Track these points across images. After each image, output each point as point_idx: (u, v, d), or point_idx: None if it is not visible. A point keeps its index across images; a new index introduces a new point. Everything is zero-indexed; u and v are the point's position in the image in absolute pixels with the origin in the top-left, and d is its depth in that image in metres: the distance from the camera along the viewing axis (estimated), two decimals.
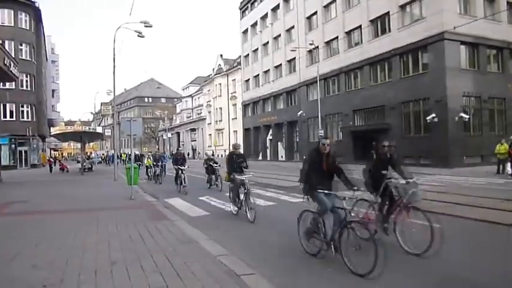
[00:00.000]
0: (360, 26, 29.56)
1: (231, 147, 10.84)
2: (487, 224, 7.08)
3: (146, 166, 21.15)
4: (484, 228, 6.95)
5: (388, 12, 26.76)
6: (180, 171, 14.21)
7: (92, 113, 76.32)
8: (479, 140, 23.18)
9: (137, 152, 34.17)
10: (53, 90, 57.39)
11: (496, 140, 18.82)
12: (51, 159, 36.12)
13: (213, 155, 19.33)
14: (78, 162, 38.67)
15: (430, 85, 23.53)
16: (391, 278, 4.40)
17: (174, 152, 20.79)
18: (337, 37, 32.38)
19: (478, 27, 22.95)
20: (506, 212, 7.85)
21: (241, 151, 10.10)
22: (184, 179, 13.85)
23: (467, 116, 22.84)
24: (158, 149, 70.29)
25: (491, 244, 5.97)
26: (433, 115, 22.88)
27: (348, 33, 31.32)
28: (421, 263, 4.99)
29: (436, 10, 23.23)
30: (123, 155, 32.99)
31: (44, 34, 45.91)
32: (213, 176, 15.02)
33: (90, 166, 31.43)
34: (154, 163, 19.72)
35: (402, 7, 26.06)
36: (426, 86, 23.77)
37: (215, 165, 15.05)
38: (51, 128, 55.22)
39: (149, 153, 24.65)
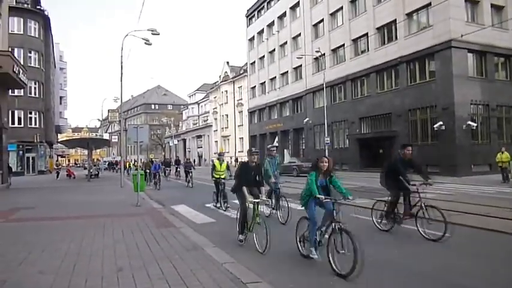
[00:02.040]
0: (367, 34, 29.60)
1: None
2: (495, 233, 6.98)
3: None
4: (492, 237, 6.84)
5: (395, 20, 26.79)
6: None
7: (99, 119, 77.04)
8: (487, 148, 22.98)
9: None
10: (61, 97, 57.98)
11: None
12: (56, 167, 36.35)
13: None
14: (85, 168, 38.89)
15: (437, 93, 23.45)
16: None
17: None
18: (343, 45, 32.43)
19: (486, 35, 22.90)
20: None
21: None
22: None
23: (475, 124, 22.68)
24: (164, 156, 70.44)
25: (498, 253, 5.87)
26: (441, 123, 22.76)
27: (355, 40, 31.37)
28: (424, 271, 4.92)
29: (443, 18, 23.20)
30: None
31: (52, 42, 46.50)
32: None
33: (96, 173, 31.64)
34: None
35: (409, 15, 26.07)
36: (433, 93, 23.69)
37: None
38: (59, 135, 55.68)
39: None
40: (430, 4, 24.17)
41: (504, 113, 24.87)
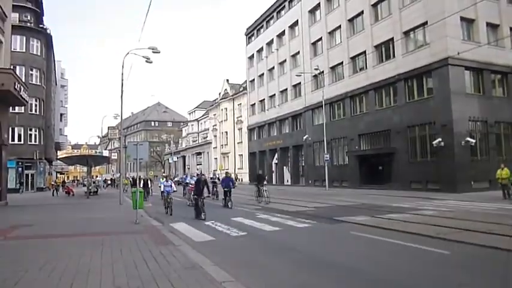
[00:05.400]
0: (365, 52, 29.96)
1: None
2: (495, 251, 6.93)
3: None
4: (493, 255, 6.79)
5: (392, 38, 27.15)
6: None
7: (98, 136, 77.20)
8: (487, 165, 22.98)
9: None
10: (61, 114, 58.20)
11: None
12: (53, 184, 36.02)
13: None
14: (84, 185, 38.81)
15: (435, 109, 23.60)
16: None
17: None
18: (342, 62, 32.79)
19: (482, 53, 23.20)
20: None
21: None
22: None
23: (474, 141, 22.75)
24: (164, 172, 70.29)
25: (497, 271, 5.82)
26: (439, 139, 22.83)
27: (353, 58, 31.72)
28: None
29: (439, 36, 23.54)
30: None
31: (54, 59, 46.91)
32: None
33: (96, 190, 31.51)
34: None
35: (406, 33, 26.45)
36: (432, 110, 23.83)
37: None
38: (58, 152, 55.65)
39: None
40: (426, 23, 24.54)
41: (502, 129, 24.98)
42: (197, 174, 17.25)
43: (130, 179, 29.57)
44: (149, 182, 27.14)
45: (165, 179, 18.05)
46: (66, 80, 63.39)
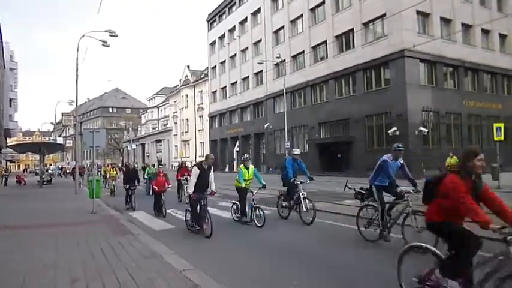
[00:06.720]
0: (326, 41, 30.40)
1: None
2: None
3: None
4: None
5: (353, 29, 27.71)
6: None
7: (52, 123, 73.74)
8: (438, 153, 24.18)
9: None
10: (11, 99, 54.89)
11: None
12: (4, 172, 34.00)
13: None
14: (37, 174, 37.07)
15: (392, 100, 24.44)
16: None
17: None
18: (303, 51, 33.11)
19: (436, 46, 24.24)
20: None
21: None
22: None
23: (426, 130, 23.85)
24: (122, 160, 68.51)
25: None
26: (395, 128, 23.72)
27: (314, 47, 32.11)
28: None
29: (397, 28, 24.29)
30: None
31: (1, 41, 44.02)
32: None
33: (49, 178, 30.16)
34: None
35: (365, 24, 27.07)
36: (388, 100, 24.67)
37: None
38: (8, 139, 52.69)
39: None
40: (385, 15, 25.23)
41: (453, 120, 26.35)
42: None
43: (121, 168, 19.28)
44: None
45: None
46: (16, 63, 59.67)
